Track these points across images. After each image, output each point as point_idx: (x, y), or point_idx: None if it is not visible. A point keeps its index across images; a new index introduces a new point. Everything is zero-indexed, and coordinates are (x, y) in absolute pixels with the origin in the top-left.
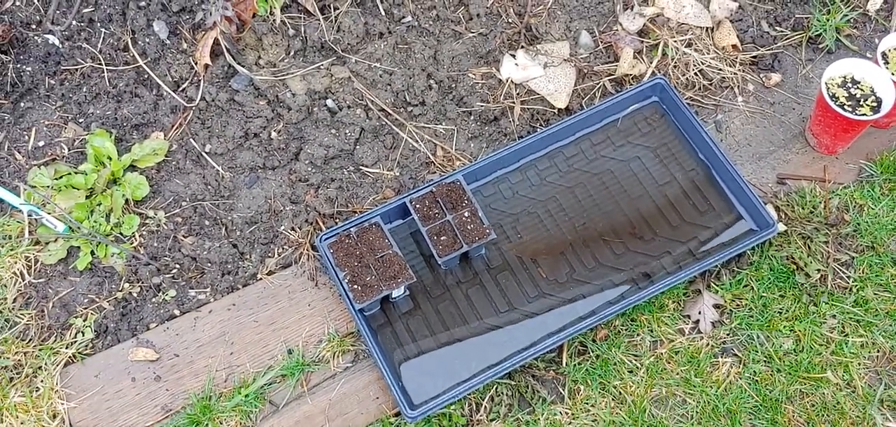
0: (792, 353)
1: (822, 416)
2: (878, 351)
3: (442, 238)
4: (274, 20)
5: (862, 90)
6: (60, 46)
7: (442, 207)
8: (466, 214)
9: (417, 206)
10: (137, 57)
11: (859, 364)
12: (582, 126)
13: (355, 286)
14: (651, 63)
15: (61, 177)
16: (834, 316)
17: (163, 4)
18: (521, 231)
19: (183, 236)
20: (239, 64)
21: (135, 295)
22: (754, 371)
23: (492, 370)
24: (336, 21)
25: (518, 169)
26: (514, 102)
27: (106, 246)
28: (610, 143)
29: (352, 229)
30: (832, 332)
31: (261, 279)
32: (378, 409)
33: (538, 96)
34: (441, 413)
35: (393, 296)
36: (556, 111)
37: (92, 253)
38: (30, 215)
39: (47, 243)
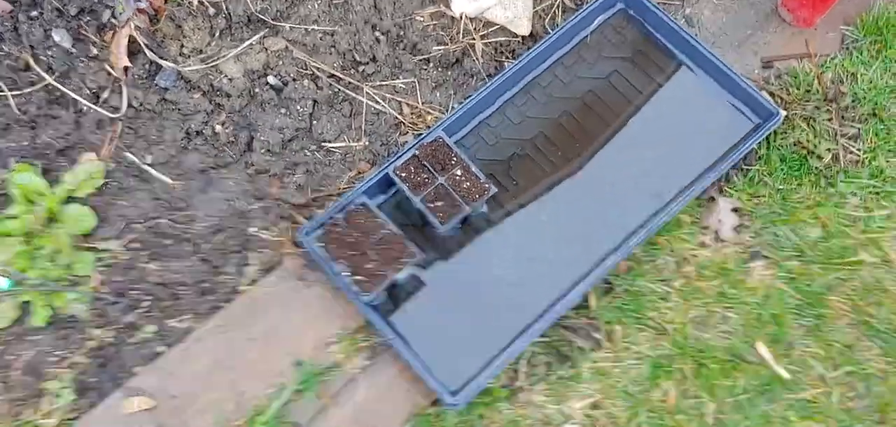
0: (821, 241)
1: (866, 298)
2: None
3: (438, 204)
4: (190, 2)
5: None
6: None
7: (430, 170)
8: (459, 173)
9: (403, 174)
10: (43, 74)
11: (889, 237)
12: (551, 51)
13: (359, 278)
14: None
15: None
16: (853, 193)
17: (58, 10)
18: (515, 177)
19: (145, 263)
20: (162, 58)
21: (109, 340)
22: (788, 269)
23: (526, 333)
24: None
25: (497, 111)
26: (474, 39)
27: (62, 293)
28: (584, 63)
29: (338, 216)
30: (856, 210)
31: (244, 291)
32: (412, 402)
33: (498, 27)
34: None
35: (398, 278)
36: (520, 40)
37: (49, 304)
38: None
39: None
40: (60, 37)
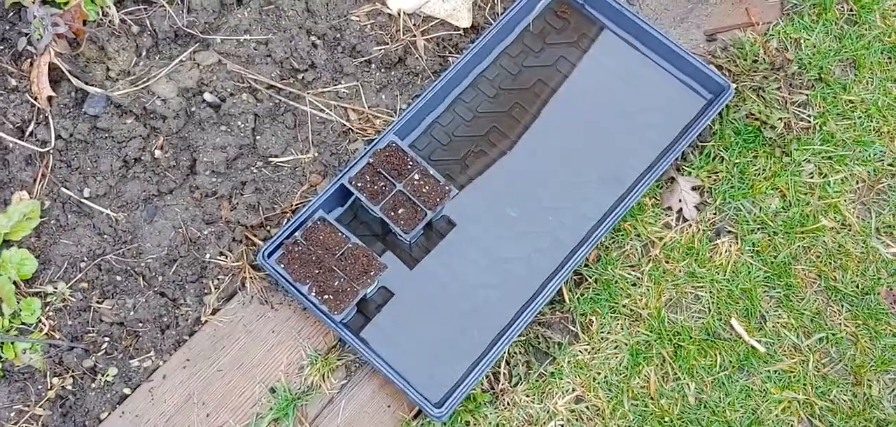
0: (782, 211)
1: (830, 263)
2: (858, 181)
3: (400, 212)
4: (111, 22)
5: None
6: None
7: (387, 177)
8: (417, 177)
9: (359, 184)
10: None
11: (846, 200)
12: (495, 42)
13: (326, 296)
14: None
15: None
16: (808, 160)
17: None
18: (472, 175)
19: (98, 302)
20: (87, 84)
21: (69, 388)
22: (753, 242)
23: (505, 336)
24: (184, 2)
25: (447, 109)
26: (414, 36)
27: (12, 344)
28: (529, 52)
29: (297, 234)
30: (812, 177)
31: (207, 322)
32: (393, 417)
33: (438, 21)
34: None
35: (367, 293)
36: (462, 32)
37: None
38: None
39: None
40: None
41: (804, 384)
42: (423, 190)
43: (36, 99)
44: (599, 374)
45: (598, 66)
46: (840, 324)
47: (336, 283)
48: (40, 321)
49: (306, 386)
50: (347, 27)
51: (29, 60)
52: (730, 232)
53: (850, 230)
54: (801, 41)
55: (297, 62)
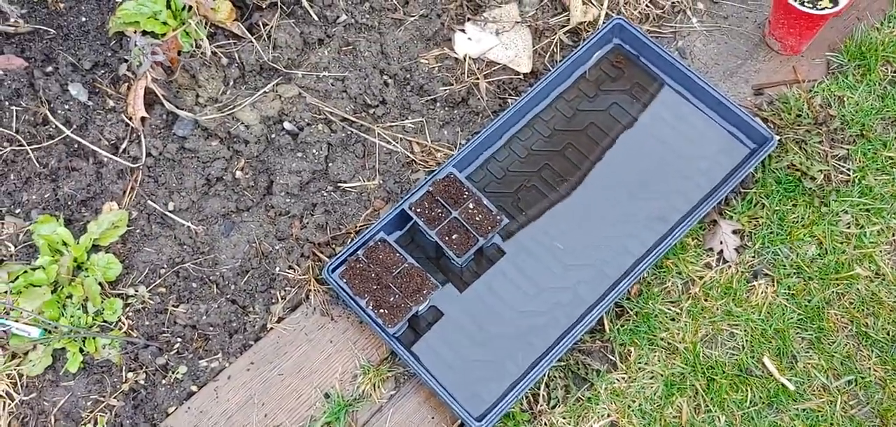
0: (818, 258)
1: (863, 309)
2: (894, 234)
3: (454, 237)
4: (203, 53)
5: None
6: None
7: (444, 205)
8: (472, 206)
9: (418, 210)
10: (62, 127)
11: (881, 251)
12: (552, 87)
13: (382, 311)
14: (602, 5)
15: (17, 278)
16: (846, 211)
17: (73, 65)
18: (524, 208)
19: (174, 306)
20: (178, 108)
21: (142, 382)
22: (788, 286)
23: (545, 359)
24: (270, 38)
25: (503, 146)
26: (477, 78)
27: (94, 340)
28: (584, 97)
29: (359, 252)
30: (849, 227)
31: (272, 329)
32: None
33: (500, 66)
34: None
35: (419, 310)
36: (522, 77)
37: (80, 350)
38: None
39: (26, 354)
40: (77, 90)
41: (831, 423)
42: (477, 218)
43: (130, 119)
44: (634, 402)
45: (648, 113)
46: (869, 368)
47: (391, 299)
48: (120, 320)
49: (358, 394)
50: (417, 69)
51: (126, 84)
52: (767, 275)
53: (883, 280)
54: (845, 99)
55: (369, 98)
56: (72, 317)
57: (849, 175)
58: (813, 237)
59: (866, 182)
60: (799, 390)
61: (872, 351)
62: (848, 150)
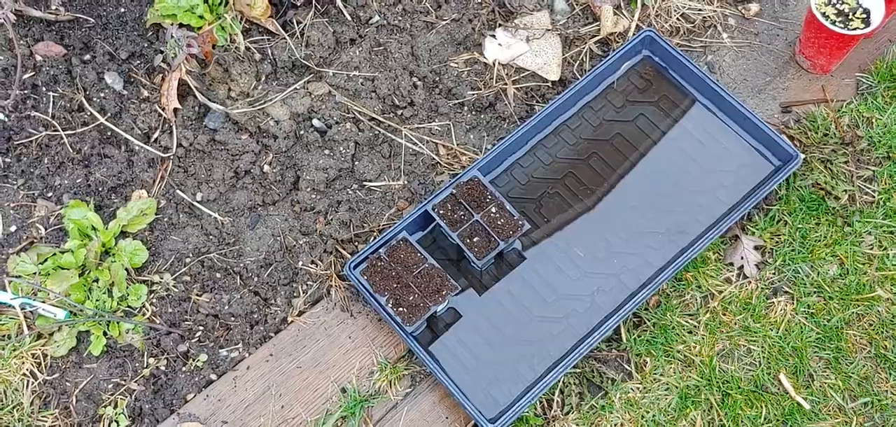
0: (839, 278)
1: (882, 332)
2: None
3: (475, 240)
4: (237, 48)
5: (848, 4)
6: (6, 120)
7: (466, 208)
8: (494, 210)
9: (441, 211)
10: (96, 114)
11: None
12: (580, 95)
13: (401, 309)
14: (632, 17)
15: (46, 260)
16: (869, 233)
17: (110, 54)
18: (546, 214)
19: (197, 295)
20: (210, 101)
21: (163, 368)
22: (808, 304)
23: (561, 365)
24: (303, 36)
25: (528, 152)
26: (506, 84)
27: (118, 324)
28: (611, 107)
29: (380, 250)
30: (871, 248)
31: (292, 322)
32: None
33: (529, 72)
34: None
35: (438, 310)
36: (550, 84)
37: (104, 334)
38: (23, 308)
39: (52, 334)
40: (113, 79)
41: None
42: (498, 222)
43: (163, 109)
44: (648, 412)
45: (675, 126)
46: (886, 391)
47: (411, 298)
48: (144, 306)
49: (374, 390)
50: (446, 72)
51: (161, 75)
52: (787, 292)
53: None
54: (873, 120)
55: (398, 99)
56: (97, 300)
57: (874, 196)
58: (835, 257)
59: (891, 204)
60: (814, 409)
61: (890, 373)
62: (874, 171)
